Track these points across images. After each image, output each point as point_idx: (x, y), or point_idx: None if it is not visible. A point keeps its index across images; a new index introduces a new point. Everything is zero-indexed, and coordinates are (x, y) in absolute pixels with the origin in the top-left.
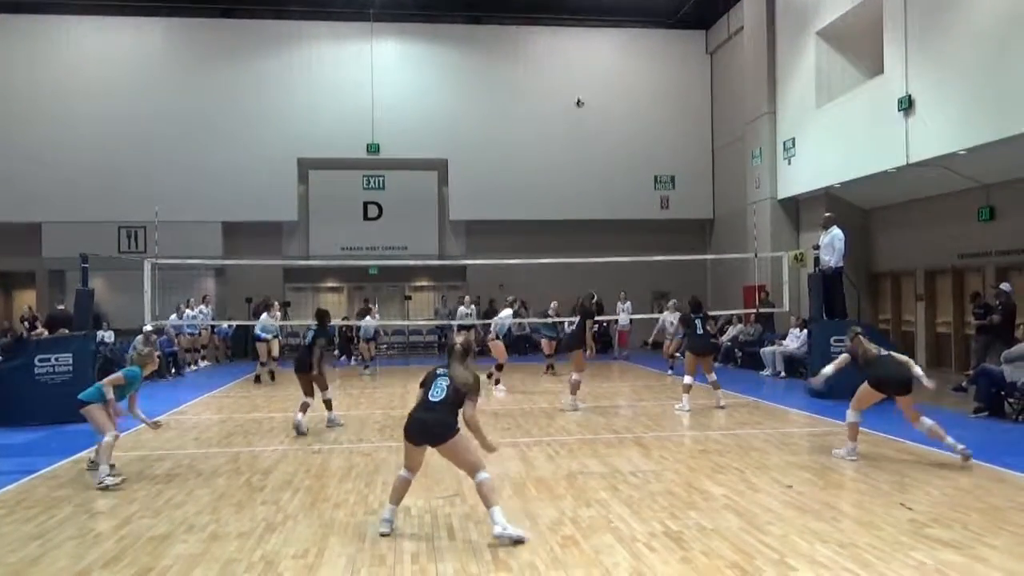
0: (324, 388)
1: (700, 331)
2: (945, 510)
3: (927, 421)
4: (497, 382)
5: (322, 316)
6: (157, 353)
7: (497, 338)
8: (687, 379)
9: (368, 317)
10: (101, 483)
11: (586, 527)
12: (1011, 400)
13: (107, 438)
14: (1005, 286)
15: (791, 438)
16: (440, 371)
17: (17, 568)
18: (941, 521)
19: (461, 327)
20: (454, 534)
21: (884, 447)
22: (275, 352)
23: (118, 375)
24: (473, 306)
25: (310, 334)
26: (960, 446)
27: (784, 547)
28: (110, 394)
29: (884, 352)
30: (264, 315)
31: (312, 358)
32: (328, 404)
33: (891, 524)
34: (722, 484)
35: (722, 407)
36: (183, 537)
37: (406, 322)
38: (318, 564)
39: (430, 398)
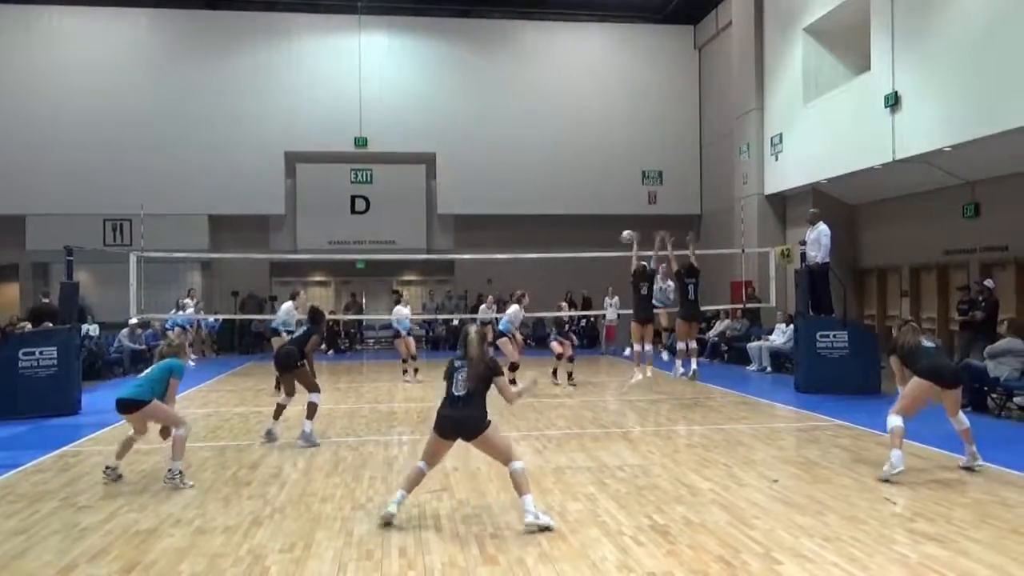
0: (313, 389)
1: (692, 296)
2: (929, 504)
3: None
4: (513, 382)
5: (316, 314)
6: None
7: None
8: (681, 344)
9: (400, 307)
10: (174, 478)
11: (573, 521)
12: (994, 396)
13: (182, 431)
14: (989, 283)
15: (777, 433)
16: (458, 363)
17: (2, 562)
18: (925, 515)
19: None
20: (442, 528)
21: (868, 441)
22: None
23: (176, 379)
24: (495, 305)
25: (299, 330)
26: (978, 459)
27: (770, 541)
28: (175, 392)
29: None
30: (288, 304)
31: (301, 355)
32: (311, 410)
33: (876, 518)
34: (708, 478)
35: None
36: (169, 531)
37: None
38: (305, 558)
39: (454, 393)
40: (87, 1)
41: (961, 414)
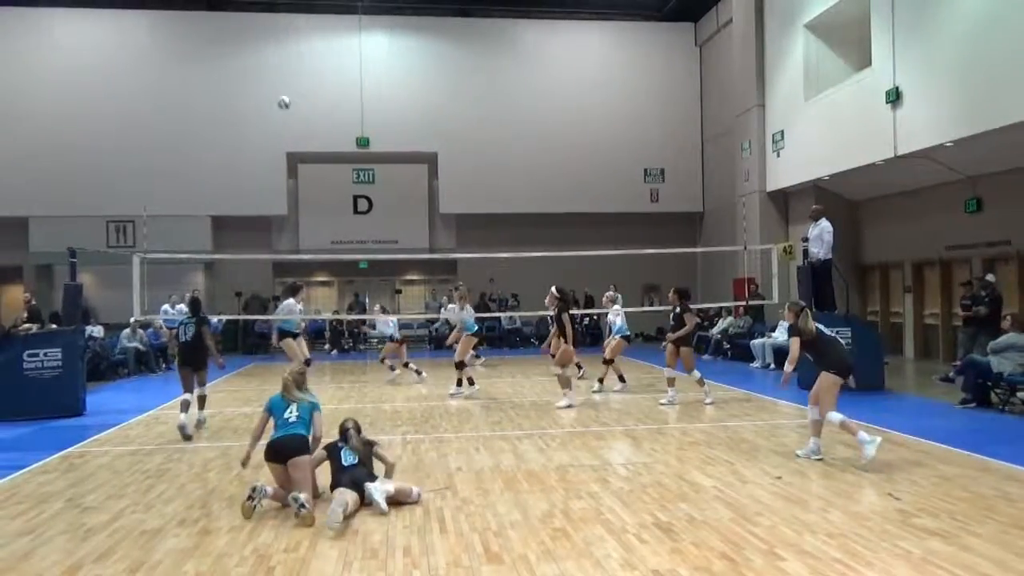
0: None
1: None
2: (932, 500)
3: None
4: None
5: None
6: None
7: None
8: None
9: (454, 305)
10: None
11: (577, 519)
12: (997, 391)
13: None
14: (990, 277)
15: (781, 430)
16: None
17: (8, 563)
18: (928, 510)
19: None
20: (446, 527)
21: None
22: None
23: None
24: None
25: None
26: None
27: (773, 537)
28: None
29: (826, 332)
30: (289, 300)
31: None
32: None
33: (879, 514)
34: (712, 476)
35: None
36: (175, 531)
37: (396, 316)
38: (310, 557)
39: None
40: (89, 3)
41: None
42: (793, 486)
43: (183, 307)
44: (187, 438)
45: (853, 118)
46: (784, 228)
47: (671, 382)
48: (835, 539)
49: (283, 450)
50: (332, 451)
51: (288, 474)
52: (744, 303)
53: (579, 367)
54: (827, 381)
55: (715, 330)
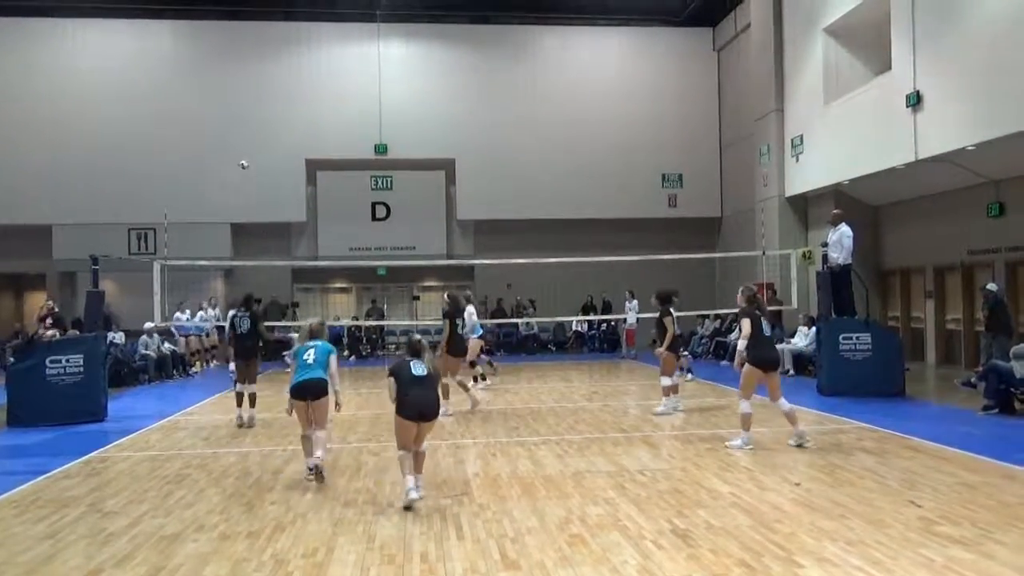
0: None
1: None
2: (954, 507)
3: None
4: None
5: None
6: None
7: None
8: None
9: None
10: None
11: (594, 525)
12: (1020, 396)
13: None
14: (992, 286)
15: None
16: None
17: (30, 567)
18: (950, 518)
19: None
20: (463, 533)
21: (893, 444)
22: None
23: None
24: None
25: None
26: (805, 439)
27: (792, 545)
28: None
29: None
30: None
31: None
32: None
33: (900, 521)
34: (730, 482)
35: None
36: (194, 536)
37: (414, 322)
38: (327, 563)
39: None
40: (111, 14)
41: (783, 398)
42: (812, 493)
43: (211, 311)
44: (241, 426)
45: (873, 122)
46: (803, 233)
47: (672, 390)
48: (855, 547)
49: (306, 391)
50: (399, 369)
51: (311, 410)
52: None
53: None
54: (748, 371)
55: (733, 336)
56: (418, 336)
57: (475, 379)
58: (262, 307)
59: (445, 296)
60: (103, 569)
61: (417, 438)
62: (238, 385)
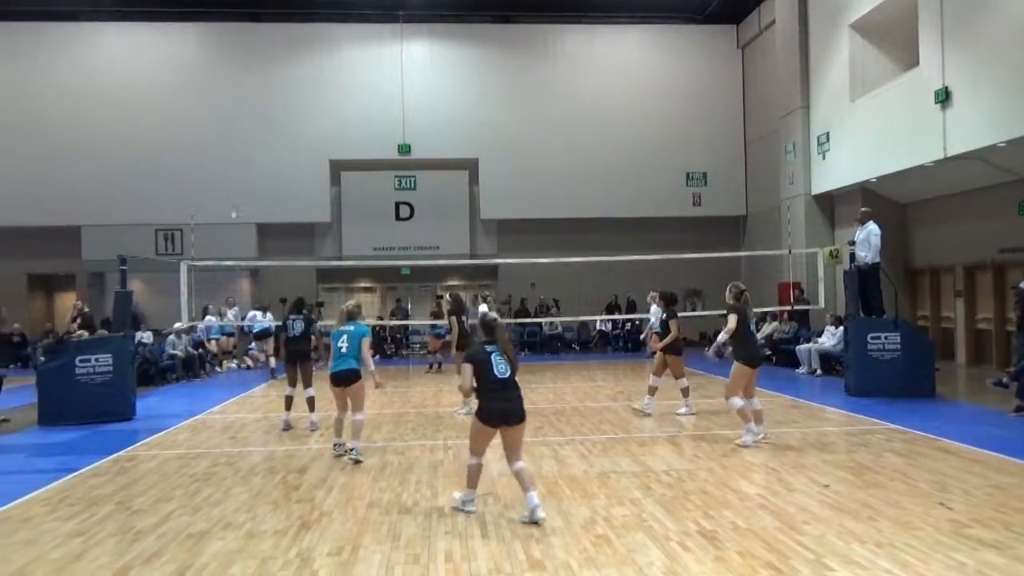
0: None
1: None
2: (986, 510)
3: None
4: None
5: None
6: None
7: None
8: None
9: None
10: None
11: (619, 526)
12: None
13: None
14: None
15: (827, 437)
16: (490, 347)
17: (60, 564)
18: (982, 521)
19: None
20: (487, 533)
21: (923, 445)
22: None
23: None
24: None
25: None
26: (762, 435)
27: (820, 547)
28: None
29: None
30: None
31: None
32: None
33: (930, 524)
34: (757, 483)
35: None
36: (221, 534)
37: (439, 321)
38: (353, 562)
39: (498, 376)
40: (137, 17)
41: (756, 398)
42: (841, 495)
43: (230, 313)
44: (286, 429)
45: (901, 119)
46: (830, 231)
47: (652, 391)
48: (884, 549)
49: (339, 381)
50: (479, 358)
51: (345, 397)
52: (789, 308)
53: None
54: (739, 370)
55: (759, 335)
56: (493, 314)
57: None
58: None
59: (447, 296)
60: (132, 567)
61: (511, 450)
62: (288, 389)
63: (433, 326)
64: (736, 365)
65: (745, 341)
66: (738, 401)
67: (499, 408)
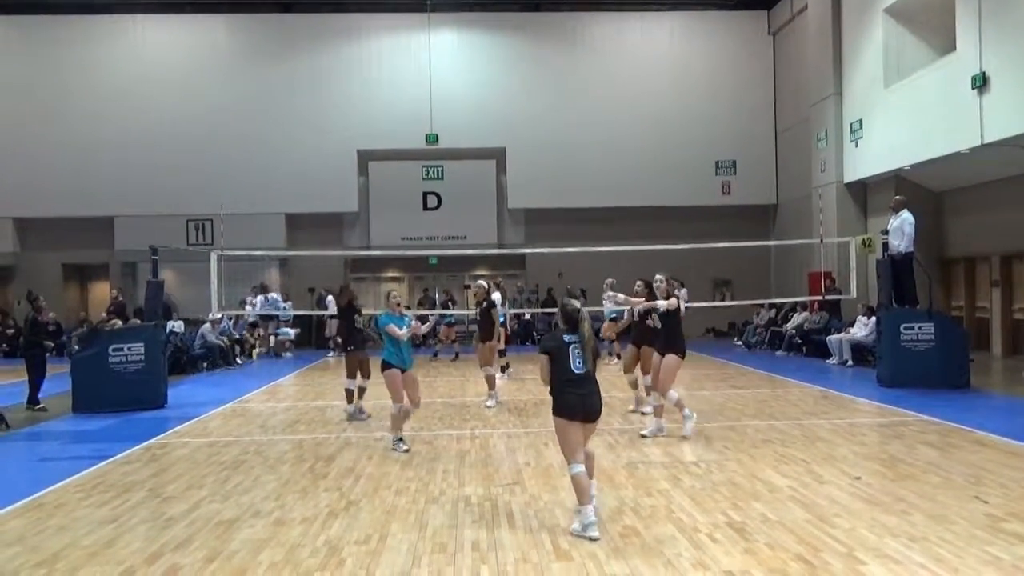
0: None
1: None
2: (1022, 504)
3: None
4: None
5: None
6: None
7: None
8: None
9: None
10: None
11: (647, 517)
12: None
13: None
14: None
15: (859, 428)
16: (567, 337)
17: (93, 550)
18: (1019, 515)
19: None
20: (515, 523)
21: (957, 437)
22: None
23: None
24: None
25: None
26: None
27: (852, 540)
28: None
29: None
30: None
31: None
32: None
33: (965, 518)
34: (787, 475)
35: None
36: (250, 522)
37: (466, 311)
38: (380, 550)
39: (575, 371)
40: (167, 9)
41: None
42: (873, 487)
43: (257, 299)
44: (352, 419)
45: (936, 105)
46: (863, 220)
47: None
48: (918, 543)
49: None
50: (557, 351)
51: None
52: (820, 298)
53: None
54: (673, 362)
55: (789, 325)
56: (576, 303)
57: (501, 369)
58: (316, 296)
59: (482, 283)
60: (163, 553)
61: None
62: (349, 381)
63: (443, 315)
64: (671, 357)
65: (680, 333)
66: (674, 395)
67: (577, 402)
